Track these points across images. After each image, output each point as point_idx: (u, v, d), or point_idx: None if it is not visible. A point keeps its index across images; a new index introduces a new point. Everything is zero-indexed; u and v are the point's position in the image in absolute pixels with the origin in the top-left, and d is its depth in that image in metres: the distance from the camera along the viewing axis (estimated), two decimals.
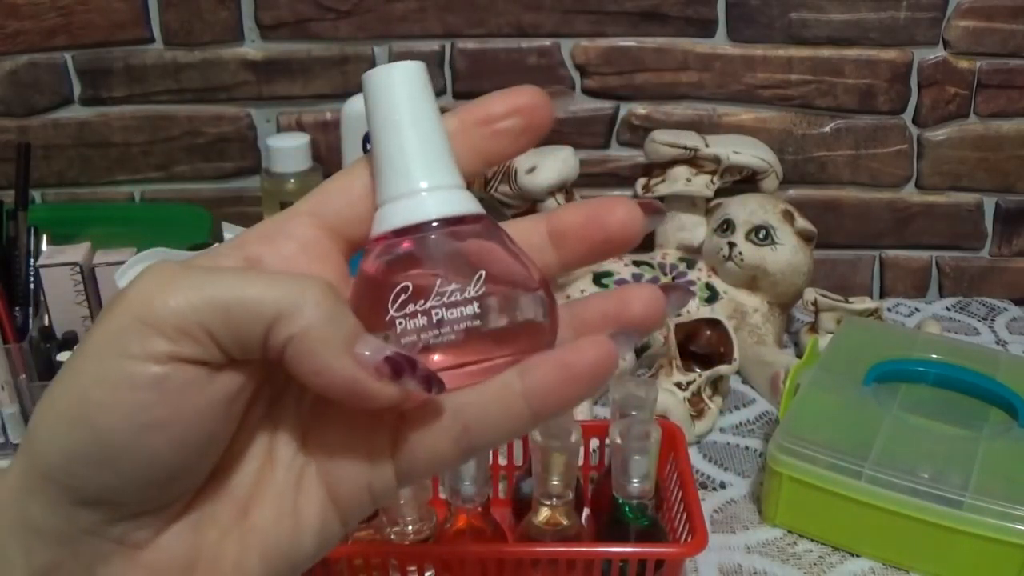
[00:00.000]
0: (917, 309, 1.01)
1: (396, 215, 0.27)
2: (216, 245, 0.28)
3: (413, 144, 0.27)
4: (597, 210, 0.28)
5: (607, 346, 0.26)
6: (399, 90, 0.27)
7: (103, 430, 0.23)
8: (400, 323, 0.26)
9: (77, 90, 0.96)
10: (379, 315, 0.26)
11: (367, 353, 0.24)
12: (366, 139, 0.87)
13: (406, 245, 0.27)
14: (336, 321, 0.24)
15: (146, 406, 0.23)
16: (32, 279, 0.80)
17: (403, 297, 0.26)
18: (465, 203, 0.27)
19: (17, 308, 0.79)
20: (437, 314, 0.26)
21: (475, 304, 0.26)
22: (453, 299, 0.26)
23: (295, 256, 0.27)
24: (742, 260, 0.86)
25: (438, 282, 0.26)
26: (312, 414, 0.28)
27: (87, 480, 0.24)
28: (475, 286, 0.26)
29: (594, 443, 0.69)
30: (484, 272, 0.26)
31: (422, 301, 0.26)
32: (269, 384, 0.28)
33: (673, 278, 0.89)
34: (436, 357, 0.26)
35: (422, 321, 0.26)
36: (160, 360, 0.23)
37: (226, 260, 0.27)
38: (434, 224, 0.26)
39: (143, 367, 0.23)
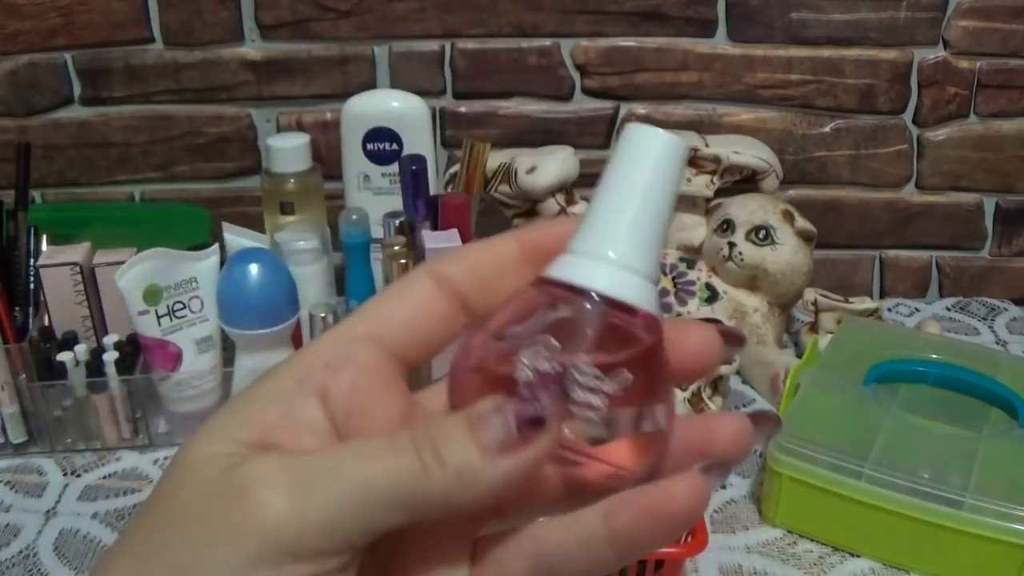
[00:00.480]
0: (917, 309, 1.01)
1: (571, 268, 0.25)
2: (274, 371, 0.25)
3: (635, 213, 0.25)
4: (675, 338, 0.26)
5: (699, 486, 0.24)
6: (653, 155, 0.26)
7: None
8: (523, 367, 0.24)
9: (77, 90, 0.96)
10: (502, 365, 0.24)
11: (495, 436, 0.23)
12: (366, 139, 0.87)
13: (558, 300, 0.25)
14: (449, 446, 0.23)
15: None
16: (32, 279, 0.80)
17: (540, 347, 0.24)
18: (644, 297, 0.25)
19: (17, 308, 0.79)
20: (565, 385, 0.24)
21: (603, 398, 0.24)
22: (586, 383, 0.24)
23: (362, 386, 0.25)
24: (742, 260, 0.86)
25: (581, 356, 0.24)
26: (395, 561, 0.26)
27: None
28: (616, 383, 0.24)
29: None
30: (630, 376, 0.24)
31: (557, 364, 0.24)
32: None
33: (673, 278, 0.89)
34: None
35: (546, 382, 0.24)
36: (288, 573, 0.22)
37: (294, 392, 0.25)
38: (596, 297, 0.24)
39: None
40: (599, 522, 0.24)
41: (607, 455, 0.24)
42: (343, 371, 0.25)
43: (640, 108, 0.97)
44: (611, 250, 0.25)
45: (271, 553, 0.22)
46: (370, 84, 0.95)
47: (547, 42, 0.94)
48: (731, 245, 0.86)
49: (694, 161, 0.90)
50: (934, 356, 0.76)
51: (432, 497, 0.23)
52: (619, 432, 0.24)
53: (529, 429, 0.23)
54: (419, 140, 0.88)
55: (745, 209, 0.88)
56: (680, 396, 0.76)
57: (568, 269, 0.25)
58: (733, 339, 0.27)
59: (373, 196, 0.89)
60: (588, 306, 0.24)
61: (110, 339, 0.77)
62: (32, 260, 0.80)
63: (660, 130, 0.25)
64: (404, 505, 0.22)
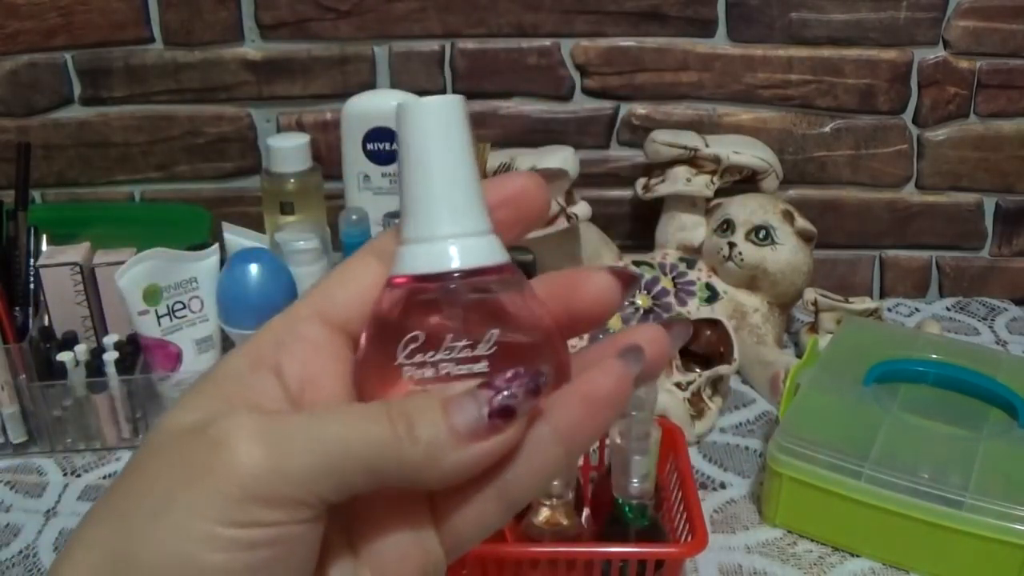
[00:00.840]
0: (917, 309, 1.01)
1: (418, 259, 0.26)
2: (230, 355, 0.27)
3: (442, 186, 0.26)
4: (564, 287, 0.28)
5: (617, 368, 0.25)
6: (433, 126, 0.26)
7: None
8: (407, 371, 0.25)
9: (77, 90, 0.96)
10: (388, 358, 0.26)
11: (467, 420, 0.24)
12: (366, 139, 0.87)
13: (423, 293, 0.26)
14: (421, 421, 0.24)
15: (251, 567, 0.23)
16: (32, 279, 0.80)
17: (413, 346, 0.25)
18: (490, 252, 0.27)
19: (17, 308, 0.79)
20: (445, 368, 0.25)
21: (484, 363, 0.25)
22: (463, 355, 0.25)
23: (311, 359, 0.27)
24: (742, 260, 0.86)
25: (449, 336, 0.25)
26: (356, 521, 0.27)
27: None
28: (487, 344, 0.25)
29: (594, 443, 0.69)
30: (497, 331, 0.26)
31: (432, 352, 0.25)
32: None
33: (673, 278, 0.89)
34: None
35: (429, 373, 0.25)
36: (268, 525, 0.23)
37: (249, 370, 0.26)
38: (455, 275, 0.26)
39: (251, 532, 0.23)
40: (540, 424, 0.25)
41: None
42: (293, 348, 0.26)
43: (640, 108, 0.97)
44: (438, 227, 0.26)
45: (245, 498, 0.23)
46: (370, 84, 0.95)
47: (547, 42, 0.94)
48: (731, 245, 0.86)
49: (694, 161, 0.91)
50: (934, 356, 0.76)
51: (402, 468, 0.24)
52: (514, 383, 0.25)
53: (499, 418, 0.24)
54: None
55: (745, 209, 0.88)
56: (680, 396, 0.76)
57: (411, 261, 0.26)
58: (626, 277, 0.28)
59: (373, 196, 0.89)
60: (444, 286, 0.26)
61: (110, 339, 0.77)
62: (32, 260, 0.80)
63: (427, 98, 0.26)
64: (375, 470, 0.24)
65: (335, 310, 0.27)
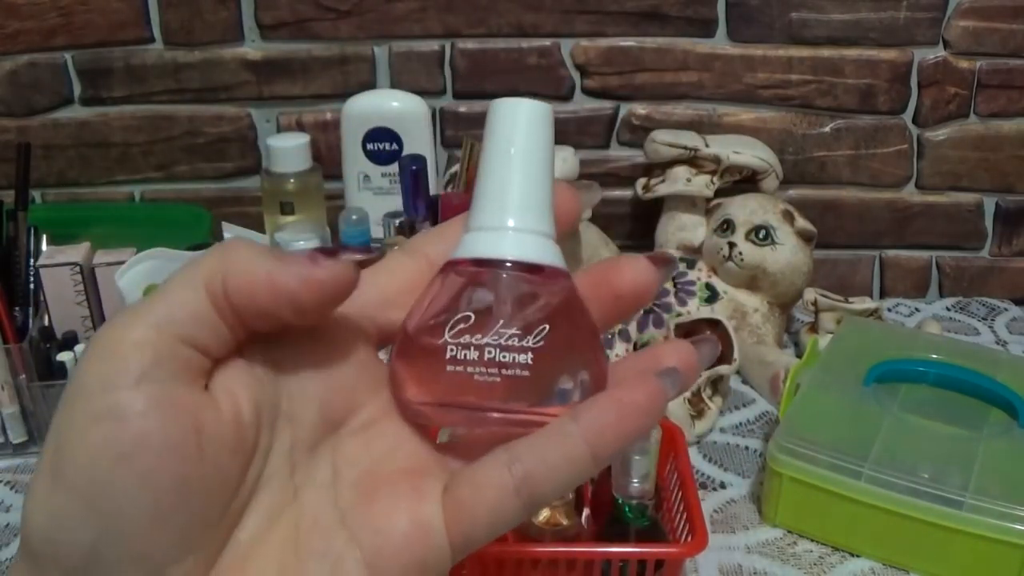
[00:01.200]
0: (917, 309, 1.01)
1: (479, 244, 0.27)
2: None
3: (518, 181, 0.27)
4: (605, 273, 0.28)
5: (655, 382, 0.26)
6: (522, 125, 0.28)
7: (75, 473, 0.23)
8: (452, 349, 0.26)
9: (77, 90, 0.96)
10: (436, 335, 0.26)
11: (294, 256, 0.25)
12: (366, 139, 0.87)
13: (479, 276, 0.27)
14: (259, 248, 0.25)
15: (110, 437, 0.23)
16: (32, 279, 0.80)
17: (462, 326, 0.26)
18: (549, 254, 0.27)
19: (17, 308, 0.79)
20: (490, 353, 0.26)
21: (529, 355, 0.26)
22: (510, 343, 0.26)
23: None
24: (742, 260, 0.86)
25: (501, 322, 0.26)
26: (350, 494, 0.26)
27: (70, 544, 0.23)
28: (535, 337, 0.26)
29: None
30: (548, 327, 0.26)
31: (479, 335, 0.26)
32: (301, 470, 0.26)
33: (673, 278, 0.89)
34: (457, 393, 0.26)
35: (474, 355, 0.26)
36: (120, 386, 0.23)
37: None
38: (512, 264, 0.27)
39: (103, 398, 0.23)
40: (569, 423, 0.25)
41: (549, 411, 0.26)
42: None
43: (640, 108, 0.97)
44: (507, 219, 0.27)
45: (98, 362, 0.23)
46: (370, 84, 0.95)
47: (547, 42, 0.94)
48: (731, 245, 0.86)
49: (694, 161, 0.91)
50: (934, 356, 0.76)
51: (209, 268, 0.25)
52: (553, 383, 0.26)
53: (320, 255, 0.25)
54: (419, 140, 0.88)
55: (745, 209, 0.88)
56: (680, 396, 0.76)
57: (473, 246, 0.27)
58: (662, 261, 0.29)
59: (373, 196, 0.89)
60: (500, 274, 0.27)
61: None
62: (32, 260, 0.80)
63: (522, 99, 0.28)
64: (195, 282, 0.25)
65: (363, 307, 0.28)
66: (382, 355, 0.29)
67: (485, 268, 0.27)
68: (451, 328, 0.26)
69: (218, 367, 0.25)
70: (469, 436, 0.29)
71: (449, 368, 0.26)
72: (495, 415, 0.26)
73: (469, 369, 0.26)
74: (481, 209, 0.28)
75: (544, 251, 0.27)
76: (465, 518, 0.25)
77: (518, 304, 0.26)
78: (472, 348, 0.26)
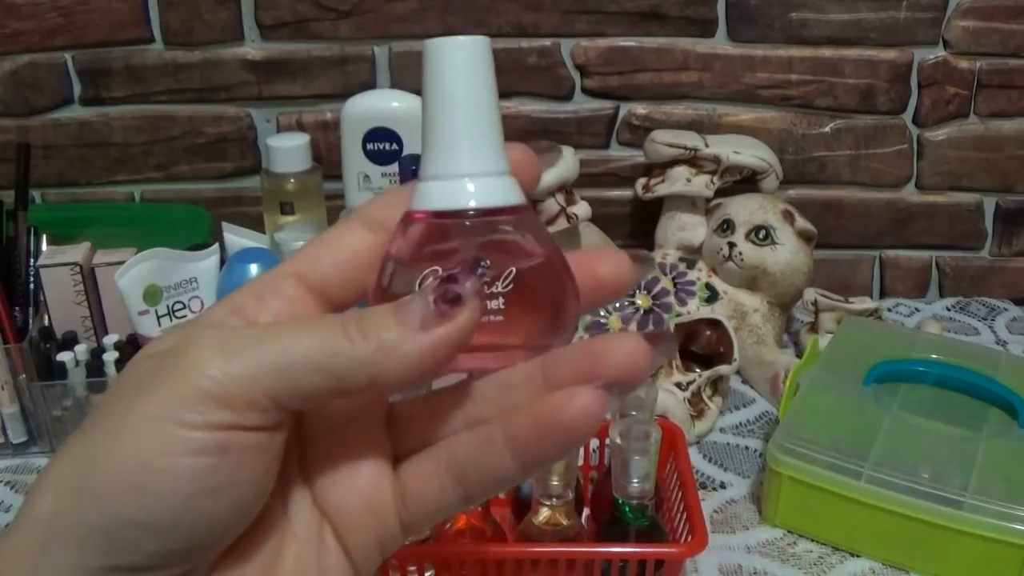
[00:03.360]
0: (917, 309, 1.01)
1: (436, 196, 0.27)
2: (213, 305, 0.28)
3: (464, 124, 0.27)
4: (582, 263, 0.28)
5: (591, 398, 0.25)
6: (459, 63, 0.27)
7: (162, 495, 0.23)
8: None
9: (77, 90, 0.96)
10: (404, 294, 0.26)
11: (415, 312, 0.24)
12: (366, 139, 0.87)
13: (441, 229, 0.27)
14: (373, 324, 0.25)
15: (207, 472, 0.23)
16: (32, 279, 0.80)
17: (431, 280, 0.26)
18: (507, 192, 0.27)
19: (17, 308, 0.79)
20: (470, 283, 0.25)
21: (501, 300, 0.26)
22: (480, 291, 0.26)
23: (286, 316, 0.27)
24: (742, 260, 0.86)
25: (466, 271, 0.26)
26: (320, 474, 0.28)
27: (132, 545, 0.23)
28: (504, 282, 0.26)
29: (594, 443, 0.69)
30: (514, 270, 0.26)
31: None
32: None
33: (673, 278, 0.89)
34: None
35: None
36: (223, 428, 0.23)
37: (229, 317, 0.27)
38: (471, 212, 0.26)
39: (206, 435, 0.23)
40: (498, 428, 0.26)
41: (523, 354, 0.26)
42: (270, 302, 0.27)
43: (640, 108, 0.97)
44: (459, 164, 0.27)
45: (198, 399, 0.23)
46: (370, 84, 0.95)
47: (547, 42, 0.94)
48: (731, 245, 0.86)
49: (694, 161, 0.91)
50: (934, 356, 0.76)
51: (355, 362, 0.24)
52: (530, 321, 0.26)
53: (447, 306, 0.24)
54: (419, 140, 0.88)
55: (745, 209, 0.88)
56: (680, 396, 0.76)
57: (430, 197, 0.27)
58: (641, 259, 0.29)
59: (373, 196, 0.89)
60: (463, 223, 0.26)
61: (110, 339, 0.77)
62: (32, 260, 0.80)
63: (457, 37, 0.27)
64: (325, 368, 0.24)
65: (315, 274, 0.28)
66: None
67: (445, 219, 0.26)
68: (419, 285, 0.26)
69: None
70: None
71: None
72: (472, 356, 0.26)
73: None
74: (432, 157, 0.27)
75: (500, 190, 0.27)
76: (412, 505, 0.27)
77: (482, 251, 0.26)
78: None
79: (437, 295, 0.24)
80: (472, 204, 0.26)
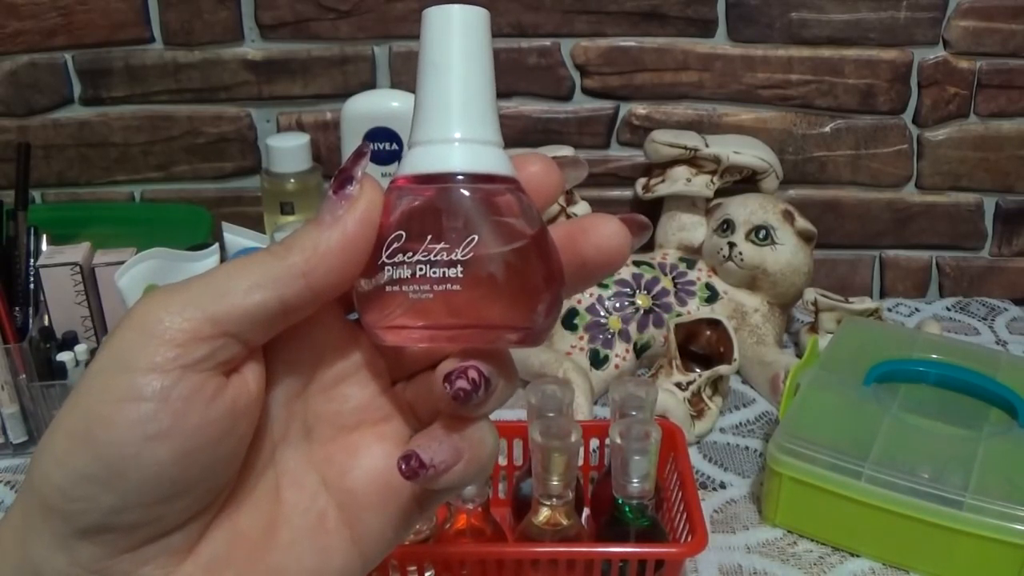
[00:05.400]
0: (917, 309, 1.01)
1: (422, 159, 0.26)
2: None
3: (458, 90, 0.26)
4: (574, 233, 0.28)
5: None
6: (456, 32, 0.27)
7: (106, 444, 0.23)
8: (388, 270, 0.26)
9: (77, 90, 0.96)
10: (375, 256, 0.26)
11: (325, 211, 0.26)
12: (366, 139, 0.87)
13: (418, 193, 0.26)
14: (296, 239, 0.26)
15: (147, 418, 0.23)
16: (32, 279, 0.80)
17: (396, 245, 0.25)
18: (496, 162, 0.26)
19: (17, 308, 0.79)
20: (421, 269, 0.25)
21: (459, 268, 0.25)
22: (439, 258, 0.25)
23: None
24: (742, 260, 0.86)
25: (429, 238, 0.25)
26: (331, 458, 0.28)
27: (89, 503, 0.24)
28: (464, 249, 0.25)
29: (594, 443, 0.69)
30: (476, 237, 0.25)
31: (411, 253, 0.25)
32: (278, 426, 0.28)
33: (673, 278, 0.89)
34: (400, 314, 0.26)
35: (406, 272, 0.25)
36: (165, 369, 0.24)
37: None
38: (458, 178, 0.26)
39: (147, 378, 0.23)
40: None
41: (481, 323, 0.26)
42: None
43: (640, 108, 0.97)
44: (449, 130, 0.26)
45: (140, 341, 0.24)
46: (370, 84, 0.95)
47: (547, 42, 0.94)
48: (731, 245, 0.86)
49: (694, 161, 0.91)
50: (934, 356, 0.76)
51: (289, 270, 0.25)
52: (477, 289, 0.25)
53: (342, 187, 0.26)
54: None
55: (745, 209, 0.88)
56: (680, 396, 0.76)
57: (416, 161, 0.27)
58: (637, 225, 0.28)
59: None
60: (443, 187, 0.26)
61: None
62: (32, 260, 0.80)
63: (454, 5, 0.27)
64: (262, 282, 0.25)
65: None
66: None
67: (426, 183, 0.26)
68: (387, 248, 0.26)
69: None
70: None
71: (388, 289, 0.25)
72: (428, 332, 0.26)
73: (404, 288, 0.25)
74: (422, 122, 0.27)
75: (488, 159, 0.26)
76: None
77: (453, 217, 0.25)
78: (404, 266, 0.25)
79: (334, 188, 0.26)
80: (457, 168, 0.26)
